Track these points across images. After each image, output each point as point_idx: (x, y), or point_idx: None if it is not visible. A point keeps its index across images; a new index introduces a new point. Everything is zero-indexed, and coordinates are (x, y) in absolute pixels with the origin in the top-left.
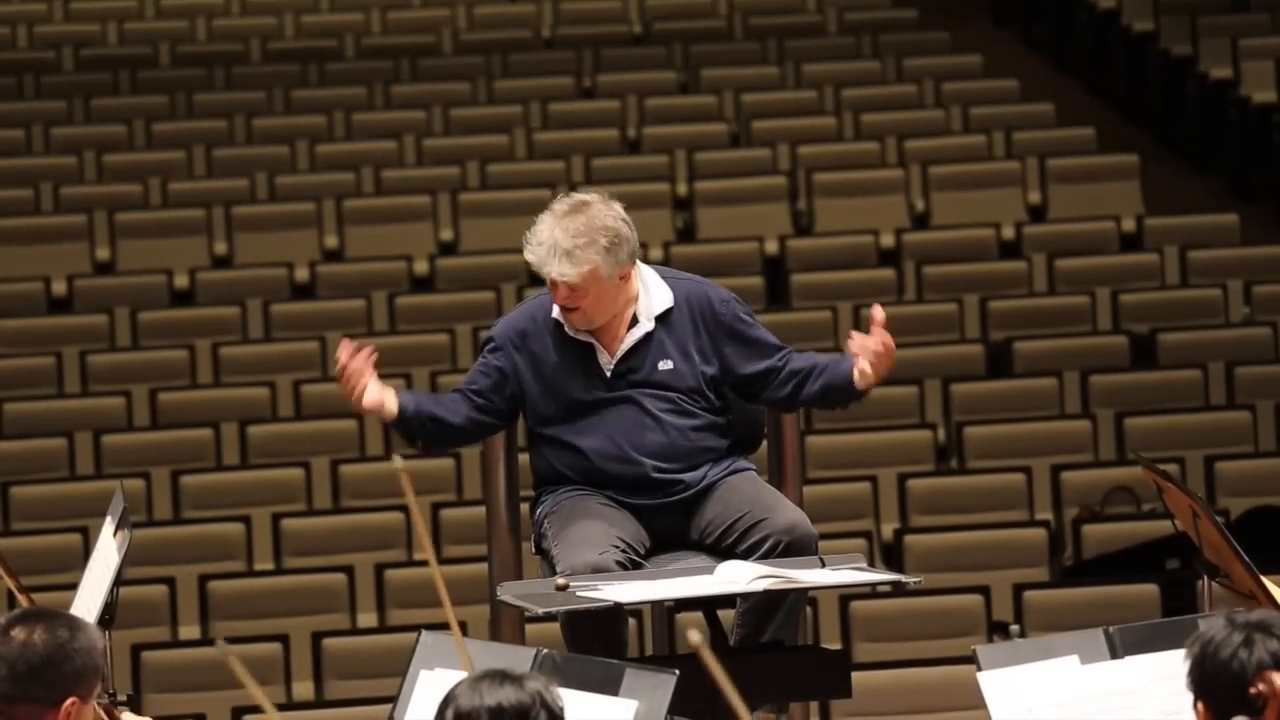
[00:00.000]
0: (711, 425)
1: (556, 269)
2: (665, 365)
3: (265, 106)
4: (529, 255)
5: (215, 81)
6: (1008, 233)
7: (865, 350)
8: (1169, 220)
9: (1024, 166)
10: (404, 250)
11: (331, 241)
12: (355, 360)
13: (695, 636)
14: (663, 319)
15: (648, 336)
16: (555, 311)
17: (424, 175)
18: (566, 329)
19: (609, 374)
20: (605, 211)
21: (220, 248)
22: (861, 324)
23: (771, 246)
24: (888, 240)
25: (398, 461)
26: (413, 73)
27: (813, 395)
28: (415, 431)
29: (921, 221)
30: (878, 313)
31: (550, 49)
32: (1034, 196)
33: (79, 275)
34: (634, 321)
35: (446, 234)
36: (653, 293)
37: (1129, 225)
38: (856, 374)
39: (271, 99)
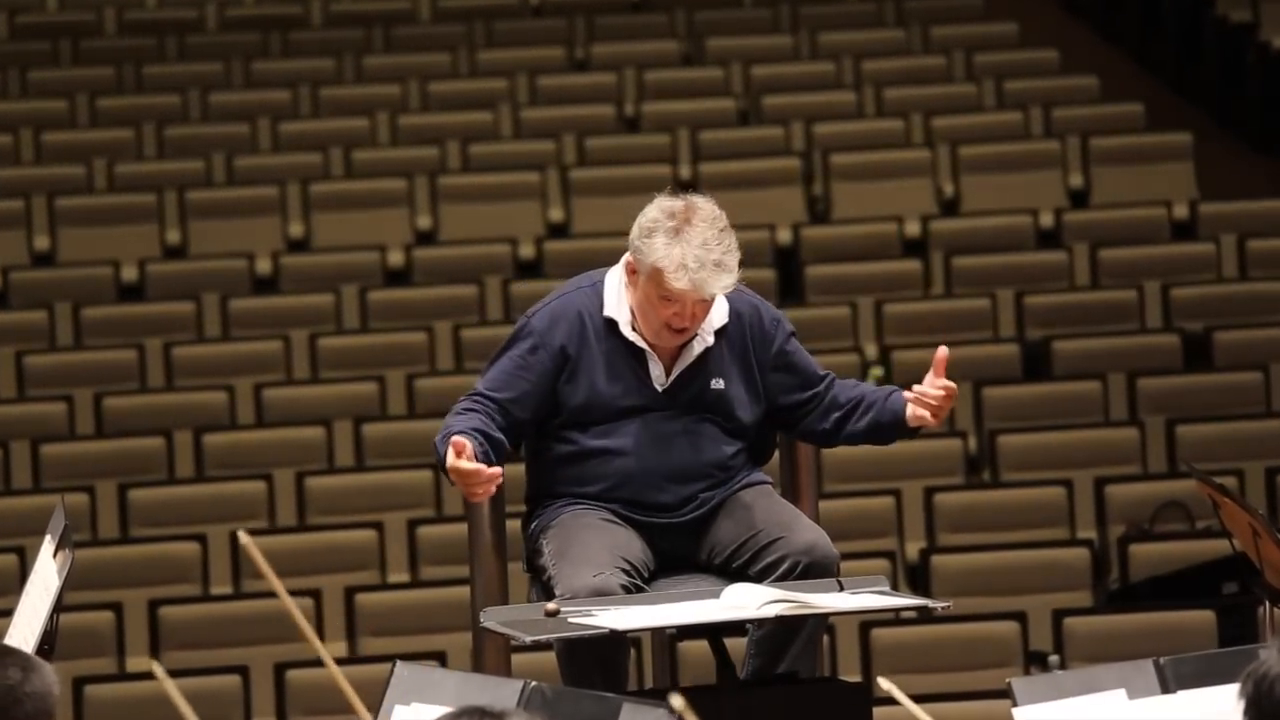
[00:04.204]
0: (747, 451)
1: (719, 285)
2: (717, 385)
3: (223, 80)
4: (677, 283)
5: (167, 52)
6: (1046, 220)
7: (924, 399)
8: (1226, 206)
9: (1064, 146)
10: (377, 239)
11: (297, 230)
12: (493, 472)
13: (678, 701)
14: (719, 334)
15: (705, 353)
16: (609, 309)
17: (399, 156)
18: (624, 331)
19: (660, 389)
20: (716, 210)
21: (173, 236)
22: (883, 322)
23: (784, 235)
24: (913, 228)
25: (244, 536)
26: (386, 43)
27: (858, 433)
28: None
29: (950, 208)
30: (942, 353)
31: (539, 16)
32: (1076, 180)
33: (15, 267)
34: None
35: (424, 221)
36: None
37: (1181, 212)
38: (911, 414)
39: (229, 72)
